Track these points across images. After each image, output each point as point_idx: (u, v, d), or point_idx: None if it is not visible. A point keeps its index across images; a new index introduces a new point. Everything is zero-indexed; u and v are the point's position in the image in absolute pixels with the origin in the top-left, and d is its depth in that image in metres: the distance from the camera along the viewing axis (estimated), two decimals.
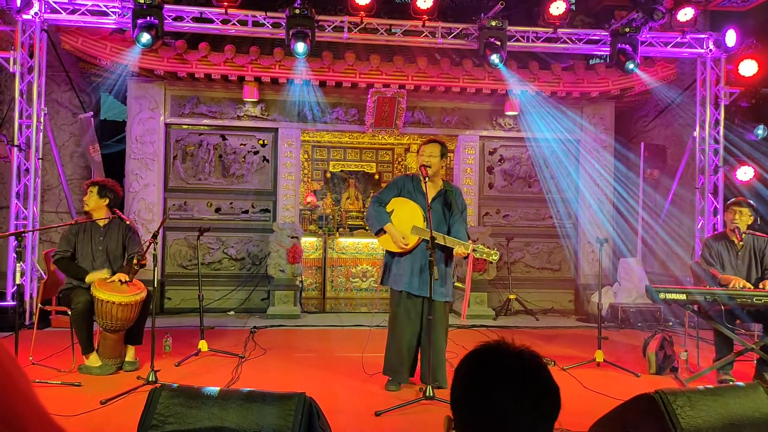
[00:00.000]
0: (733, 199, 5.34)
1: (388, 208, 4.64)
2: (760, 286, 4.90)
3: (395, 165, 10.34)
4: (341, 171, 10.23)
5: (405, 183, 4.75)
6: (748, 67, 7.70)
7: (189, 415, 2.18)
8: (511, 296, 8.43)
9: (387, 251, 4.73)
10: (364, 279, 8.99)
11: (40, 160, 7.30)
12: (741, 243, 5.14)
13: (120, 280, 4.84)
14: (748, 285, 4.89)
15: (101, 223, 5.11)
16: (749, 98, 7.85)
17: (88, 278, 4.83)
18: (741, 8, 8.08)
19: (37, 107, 7.16)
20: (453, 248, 4.46)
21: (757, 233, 5.28)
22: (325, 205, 9.74)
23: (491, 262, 4.74)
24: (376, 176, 10.21)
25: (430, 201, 4.53)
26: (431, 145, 4.65)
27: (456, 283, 8.53)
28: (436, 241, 4.33)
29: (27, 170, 7.16)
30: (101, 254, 5.07)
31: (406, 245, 4.51)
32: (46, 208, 8.41)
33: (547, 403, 1.22)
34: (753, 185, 8.06)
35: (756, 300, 4.63)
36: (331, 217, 9.32)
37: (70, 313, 4.86)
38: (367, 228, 8.82)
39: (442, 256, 4.59)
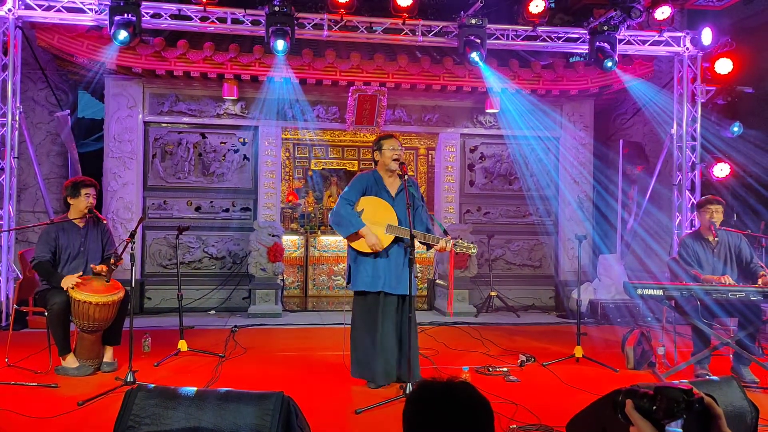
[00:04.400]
0: (703, 199, 5.40)
1: (357, 208, 4.55)
2: (760, 282, 4.94)
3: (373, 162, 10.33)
4: (323, 169, 10.21)
5: (368, 181, 4.63)
6: (724, 65, 7.82)
7: (165, 415, 2.16)
8: (493, 293, 8.48)
9: (353, 251, 4.58)
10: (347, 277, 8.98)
11: (16, 159, 7.18)
12: (716, 240, 5.22)
13: (101, 272, 4.83)
14: (732, 282, 4.95)
15: (80, 223, 5.04)
16: (725, 96, 7.98)
17: (63, 283, 4.74)
18: (716, 7, 8.20)
19: (12, 105, 7.05)
20: (432, 244, 4.47)
21: (731, 229, 5.37)
22: (306, 204, 9.72)
23: (470, 255, 4.78)
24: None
25: (395, 196, 4.54)
26: (394, 140, 4.64)
27: (437, 281, 8.60)
28: (415, 239, 4.35)
29: (2, 169, 7.04)
30: (82, 255, 5.01)
31: (381, 248, 4.47)
32: (23, 208, 8.29)
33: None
34: (729, 182, 8.20)
35: (731, 295, 4.70)
36: (312, 215, 9.31)
37: (46, 313, 4.79)
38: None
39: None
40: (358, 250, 4.55)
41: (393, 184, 4.63)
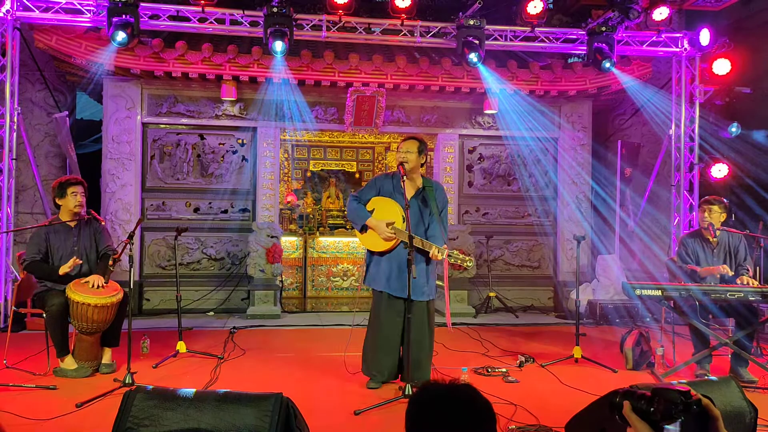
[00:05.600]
0: (704, 198, 5.42)
1: (369, 207, 4.61)
2: (738, 282, 4.98)
3: (375, 164, 10.33)
4: (321, 170, 10.20)
5: (384, 182, 4.70)
6: (722, 66, 7.83)
7: (164, 417, 2.16)
8: (491, 294, 8.48)
9: (368, 250, 4.70)
10: (345, 278, 8.98)
11: (14, 161, 7.18)
12: (715, 240, 5.23)
13: (96, 285, 4.78)
14: (730, 271, 4.96)
15: (72, 224, 5.02)
16: (723, 96, 7.99)
17: (61, 270, 4.73)
18: (714, 8, 8.21)
19: (11, 107, 7.04)
20: (426, 250, 4.45)
21: (731, 229, 5.38)
22: (305, 205, 9.70)
23: (465, 269, 4.78)
24: (357, 175, 10.19)
25: (410, 199, 4.53)
26: (408, 142, 4.65)
27: (436, 282, 8.57)
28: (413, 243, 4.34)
29: (0, 171, 7.04)
30: (76, 255, 4.98)
31: (393, 234, 4.47)
32: (21, 209, 8.27)
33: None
34: (727, 182, 8.20)
35: (729, 295, 4.70)
36: (311, 216, 9.29)
37: (44, 315, 4.78)
38: (348, 227, 8.80)
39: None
40: (368, 247, 4.64)
41: (410, 187, 4.63)
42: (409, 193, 4.58)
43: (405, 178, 4.53)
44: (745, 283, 4.94)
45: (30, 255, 4.87)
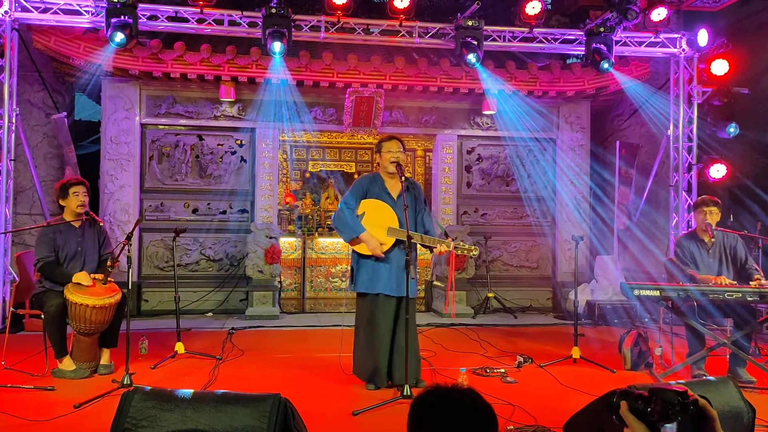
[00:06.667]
0: (699, 200, 5.40)
1: (359, 211, 4.59)
2: (751, 284, 4.94)
3: (374, 165, 10.33)
4: (320, 171, 10.20)
5: (369, 184, 4.68)
6: (720, 67, 7.83)
7: (162, 418, 2.16)
8: (490, 294, 8.48)
9: (355, 253, 4.63)
10: (344, 279, 8.97)
11: (13, 162, 7.16)
12: (712, 240, 5.23)
13: (98, 279, 4.81)
14: (728, 280, 4.96)
15: (76, 224, 5.03)
16: (721, 97, 7.99)
17: (75, 278, 4.74)
18: (712, 8, 8.21)
19: (9, 108, 7.03)
20: (432, 246, 4.48)
21: (727, 230, 5.38)
22: (304, 206, 9.69)
23: (471, 257, 4.81)
24: (356, 176, 10.17)
25: (396, 198, 4.55)
26: (395, 142, 4.67)
27: (435, 282, 8.59)
28: (413, 241, 4.35)
29: None
30: (79, 256, 5.00)
31: (383, 252, 4.48)
32: (19, 210, 8.26)
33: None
34: (726, 182, 8.20)
35: (728, 296, 4.71)
36: (310, 217, 9.28)
37: (42, 316, 4.78)
38: None
39: (413, 253, 4.61)
40: (360, 252, 4.59)
41: (395, 187, 4.63)
42: (396, 192, 4.62)
43: (404, 178, 4.53)
44: (755, 285, 4.91)
45: (43, 255, 4.85)
